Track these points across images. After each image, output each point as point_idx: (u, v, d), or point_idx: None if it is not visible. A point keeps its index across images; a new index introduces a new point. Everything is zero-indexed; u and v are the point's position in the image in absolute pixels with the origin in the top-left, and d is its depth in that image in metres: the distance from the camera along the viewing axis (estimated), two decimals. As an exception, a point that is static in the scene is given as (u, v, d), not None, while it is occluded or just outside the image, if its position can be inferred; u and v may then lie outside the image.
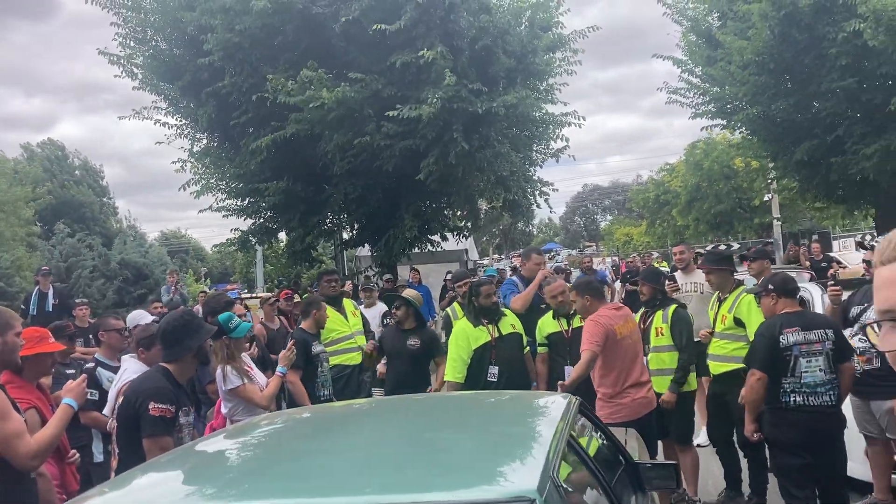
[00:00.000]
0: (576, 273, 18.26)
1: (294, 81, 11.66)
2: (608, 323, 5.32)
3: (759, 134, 16.39)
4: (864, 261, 5.53)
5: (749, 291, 5.89)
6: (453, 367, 5.68)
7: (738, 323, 5.80)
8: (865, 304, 5.28)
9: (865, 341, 5.01)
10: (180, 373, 3.82)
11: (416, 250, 15.54)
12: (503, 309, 6.17)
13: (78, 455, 4.22)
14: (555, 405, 2.72)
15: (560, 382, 5.16)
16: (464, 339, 5.74)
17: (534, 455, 2.01)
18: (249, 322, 5.37)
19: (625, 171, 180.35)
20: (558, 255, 78.04)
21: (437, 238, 15.90)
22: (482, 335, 5.75)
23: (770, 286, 5.18)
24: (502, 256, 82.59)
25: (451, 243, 17.00)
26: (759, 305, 5.44)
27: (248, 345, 5.52)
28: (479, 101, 11.70)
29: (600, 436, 3.04)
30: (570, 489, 2.01)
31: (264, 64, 12.71)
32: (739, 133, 18.24)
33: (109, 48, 13.96)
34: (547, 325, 6.21)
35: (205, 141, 15.42)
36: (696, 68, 16.68)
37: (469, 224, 16.52)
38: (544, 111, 14.90)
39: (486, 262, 61.89)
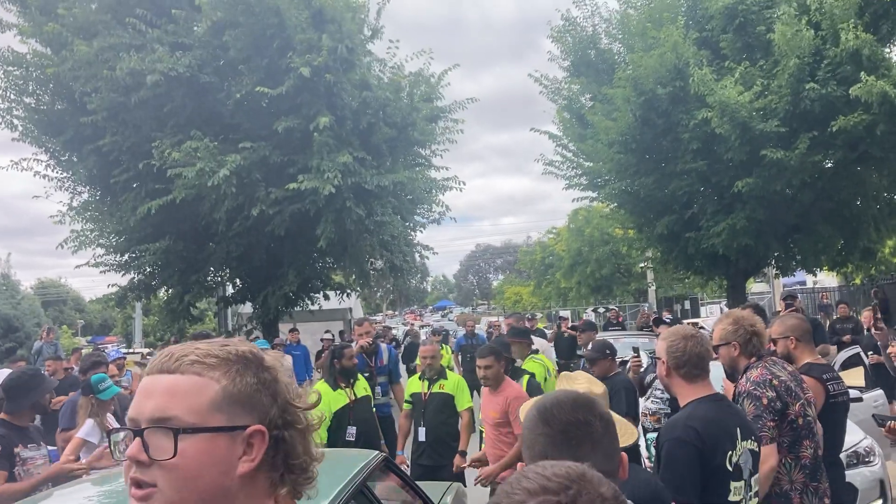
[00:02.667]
0: (460, 333, 18.68)
1: (178, 150, 11.85)
2: None
3: (625, 207, 17.60)
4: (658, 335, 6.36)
5: (582, 355, 6.58)
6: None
7: None
8: (655, 374, 6.09)
9: (657, 402, 5.74)
10: (18, 420, 4.30)
11: (298, 308, 15.76)
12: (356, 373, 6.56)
13: None
14: (354, 460, 3.17)
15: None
16: (325, 402, 5.99)
17: (321, 500, 2.44)
18: (118, 388, 5.56)
19: (517, 231, 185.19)
20: (451, 312, 78.93)
21: (319, 296, 16.17)
22: (341, 398, 6.12)
23: (607, 351, 6.13)
24: (396, 313, 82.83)
25: (334, 302, 17.29)
26: (595, 367, 6.15)
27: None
28: (369, 174, 12.27)
29: (404, 488, 3.50)
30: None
31: (149, 125, 12.88)
32: (606, 205, 19.49)
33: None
34: (412, 385, 6.61)
35: (86, 195, 15.29)
36: (569, 143, 17.82)
37: (359, 283, 16.87)
38: (428, 178, 15.59)
39: (378, 318, 61.94)
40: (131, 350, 24.26)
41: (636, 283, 37.50)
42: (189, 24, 12.94)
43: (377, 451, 3.48)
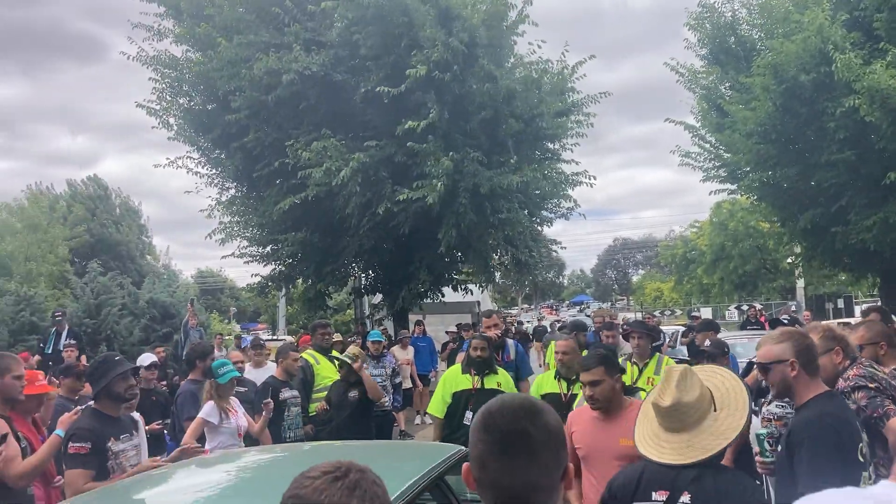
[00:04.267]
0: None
1: (310, 149, 12.36)
2: None
3: (766, 199, 16.79)
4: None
5: (704, 350, 6.44)
6: (434, 403, 6.30)
7: None
8: None
9: (783, 406, 5.48)
10: (107, 409, 4.23)
11: (429, 300, 16.08)
12: (498, 368, 6.60)
13: (62, 479, 4.68)
14: (435, 453, 3.25)
15: None
16: (449, 381, 6.33)
17: (392, 488, 2.53)
18: (236, 372, 5.89)
19: (658, 225, 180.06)
20: (588, 307, 78.03)
21: (448, 289, 16.43)
22: (465, 382, 6.26)
23: (725, 349, 6.28)
24: (532, 307, 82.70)
25: (461, 294, 17.50)
26: (715, 364, 6.04)
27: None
28: (491, 173, 12.32)
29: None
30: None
31: (288, 123, 13.52)
32: (747, 198, 18.67)
33: (148, 98, 14.94)
34: (546, 383, 6.14)
35: (232, 190, 16.24)
36: (706, 134, 17.19)
37: (483, 279, 17.00)
38: (558, 171, 15.45)
39: (514, 312, 61.98)
40: (274, 337, 25.59)
41: (784, 279, 35.60)
42: (325, 21, 13.44)
43: (459, 447, 3.52)
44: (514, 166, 12.86)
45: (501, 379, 6.45)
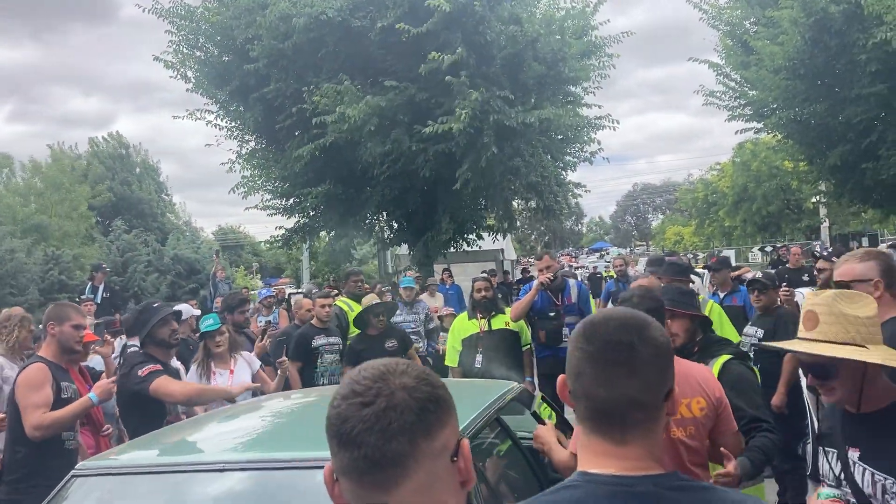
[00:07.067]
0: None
1: (323, 93, 12.15)
2: None
3: (793, 137, 16.52)
4: (817, 269, 5.95)
5: (756, 279, 6.24)
6: (448, 354, 6.47)
7: None
8: None
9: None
10: (157, 355, 4.35)
11: (452, 250, 16.03)
12: (506, 308, 6.63)
13: (111, 428, 4.71)
14: (491, 390, 3.24)
15: None
16: (456, 330, 6.50)
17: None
18: (214, 327, 4.99)
19: (675, 170, 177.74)
20: (608, 253, 77.75)
21: (472, 237, 16.36)
22: (472, 327, 6.36)
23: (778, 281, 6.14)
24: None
25: (487, 242, 17.44)
26: (765, 296, 5.80)
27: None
28: (514, 111, 12.10)
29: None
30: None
31: (307, 72, 13.34)
32: (773, 136, 18.39)
33: (164, 52, 14.76)
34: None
35: (252, 143, 16.12)
36: (732, 72, 16.86)
37: (505, 225, 16.89)
38: (579, 116, 15.21)
39: (533, 260, 61.79)
40: (298, 290, 25.73)
41: (807, 219, 35.23)
42: None
43: (513, 383, 3.53)
44: (535, 105, 12.61)
45: (508, 318, 6.50)
